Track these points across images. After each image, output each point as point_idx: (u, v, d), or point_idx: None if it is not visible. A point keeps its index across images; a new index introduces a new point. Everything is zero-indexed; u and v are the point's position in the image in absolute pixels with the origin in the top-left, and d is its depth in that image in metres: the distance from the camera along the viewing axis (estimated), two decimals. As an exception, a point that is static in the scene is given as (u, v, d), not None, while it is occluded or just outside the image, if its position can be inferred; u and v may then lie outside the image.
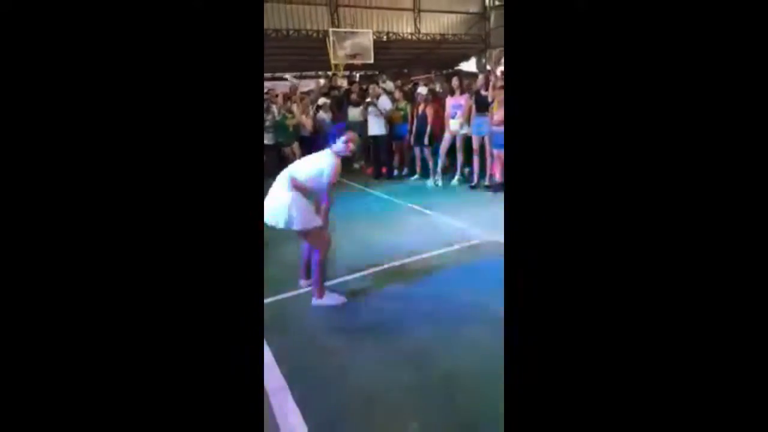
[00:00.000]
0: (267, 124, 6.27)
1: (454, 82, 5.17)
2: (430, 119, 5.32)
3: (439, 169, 5.35)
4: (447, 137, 5.21)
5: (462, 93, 5.06)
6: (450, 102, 5.16)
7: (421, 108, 5.41)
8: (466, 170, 5.38)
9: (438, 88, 6.54)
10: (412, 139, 5.60)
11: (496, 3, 13.09)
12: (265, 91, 6.54)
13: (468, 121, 5.00)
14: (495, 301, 2.26)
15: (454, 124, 5.10)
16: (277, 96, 6.63)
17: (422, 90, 5.61)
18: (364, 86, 6.95)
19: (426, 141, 5.38)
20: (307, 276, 2.53)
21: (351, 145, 2.36)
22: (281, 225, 2.27)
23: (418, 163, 5.78)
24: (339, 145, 2.34)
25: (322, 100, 6.44)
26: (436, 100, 5.57)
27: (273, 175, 2.38)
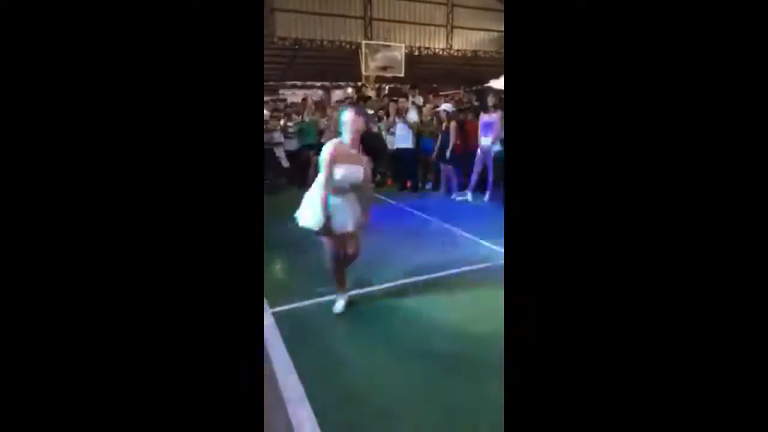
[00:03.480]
0: (291, 130, 6.40)
1: (490, 99, 5.16)
2: (453, 136, 5.31)
3: (471, 185, 5.31)
4: (479, 154, 5.18)
5: (495, 110, 5.05)
6: (483, 119, 5.15)
7: (444, 125, 5.41)
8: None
9: (466, 103, 6.53)
10: (435, 155, 5.61)
11: (530, 22, 13.05)
12: (300, 98, 6.68)
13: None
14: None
15: (485, 141, 5.08)
16: (304, 100, 6.75)
17: (447, 107, 5.61)
18: (388, 99, 6.99)
19: (447, 156, 5.37)
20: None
21: (350, 125, 2.16)
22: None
23: (444, 179, 5.76)
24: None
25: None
26: (458, 119, 5.59)
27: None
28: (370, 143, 2.26)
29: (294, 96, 9.63)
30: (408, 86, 8.00)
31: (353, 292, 2.62)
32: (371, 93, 9.35)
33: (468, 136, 5.52)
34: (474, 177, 5.31)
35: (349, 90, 9.23)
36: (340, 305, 2.43)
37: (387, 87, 11.10)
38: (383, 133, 6.11)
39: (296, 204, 2.34)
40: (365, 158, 2.23)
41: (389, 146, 6.07)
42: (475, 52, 13.10)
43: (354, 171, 2.18)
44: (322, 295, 2.59)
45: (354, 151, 2.21)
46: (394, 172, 6.45)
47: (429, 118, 5.76)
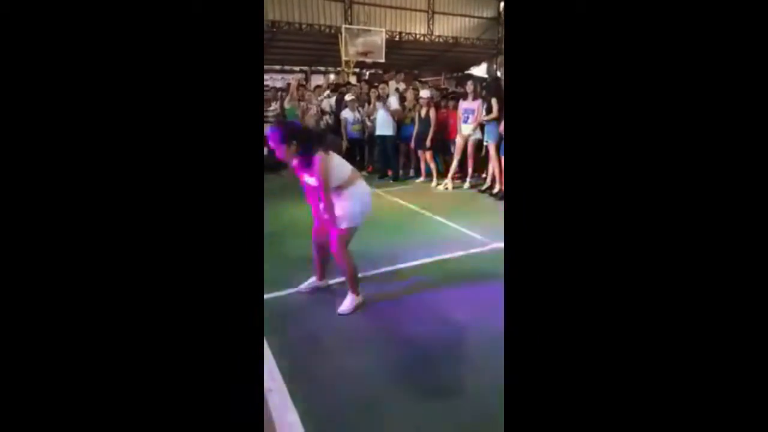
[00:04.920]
0: (270, 116, 6.26)
1: (469, 86, 5.14)
2: (433, 122, 5.30)
3: (451, 172, 5.32)
4: (459, 141, 5.19)
5: (475, 98, 5.04)
6: (462, 106, 5.14)
7: (423, 111, 5.38)
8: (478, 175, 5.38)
9: (451, 90, 6.49)
10: (413, 142, 5.59)
11: (511, 9, 13.05)
12: (279, 84, 6.53)
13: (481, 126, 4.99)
14: (497, 310, 2.24)
15: (466, 129, 5.08)
16: (289, 85, 6.62)
17: (425, 93, 5.58)
18: (368, 86, 6.89)
19: (428, 144, 5.37)
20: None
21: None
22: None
23: (423, 166, 5.76)
24: None
25: (349, 97, 6.17)
26: (438, 105, 5.58)
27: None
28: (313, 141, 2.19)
29: (271, 80, 9.40)
30: (393, 72, 7.89)
31: (332, 281, 2.61)
32: (352, 78, 9.20)
33: (447, 123, 5.52)
34: (454, 164, 5.32)
35: (332, 77, 9.05)
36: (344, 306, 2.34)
37: (367, 72, 10.96)
38: (365, 119, 6.05)
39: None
40: (315, 163, 2.12)
41: (373, 132, 6.01)
42: (456, 38, 13.05)
43: (310, 180, 2.25)
44: (299, 283, 2.57)
45: (295, 161, 2.18)
46: (375, 159, 6.41)
47: (412, 104, 5.71)
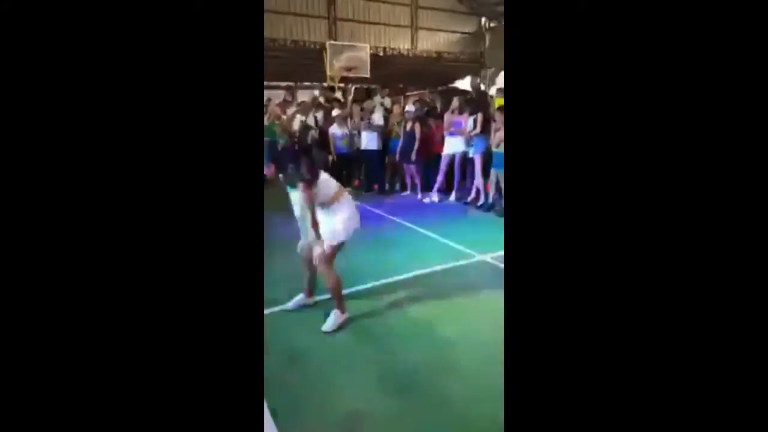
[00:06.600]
0: None
1: (455, 101, 5.21)
2: (417, 137, 5.35)
3: (437, 185, 5.35)
4: (446, 154, 5.23)
5: (461, 112, 5.10)
6: (448, 120, 5.19)
7: (409, 125, 5.44)
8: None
9: (436, 104, 6.58)
10: (397, 156, 5.62)
11: (491, 25, 13.34)
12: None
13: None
14: (483, 322, 2.24)
15: (452, 142, 5.13)
16: (269, 101, 6.62)
17: (410, 108, 5.66)
18: (352, 101, 6.90)
19: (413, 157, 5.41)
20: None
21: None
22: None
23: (408, 179, 5.79)
24: None
25: (335, 112, 6.17)
26: (422, 119, 5.65)
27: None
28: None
29: (257, 97, 9.40)
30: (377, 87, 7.93)
31: (319, 297, 2.59)
32: (338, 94, 9.25)
33: (432, 137, 5.57)
34: (440, 177, 5.36)
35: (316, 92, 9.08)
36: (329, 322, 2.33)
37: (353, 87, 11.04)
38: (354, 133, 6.07)
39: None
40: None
41: (359, 146, 6.03)
42: (439, 53, 13.25)
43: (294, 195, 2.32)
44: (285, 300, 2.54)
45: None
46: (361, 174, 6.42)
47: (399, 119, 5.75)
